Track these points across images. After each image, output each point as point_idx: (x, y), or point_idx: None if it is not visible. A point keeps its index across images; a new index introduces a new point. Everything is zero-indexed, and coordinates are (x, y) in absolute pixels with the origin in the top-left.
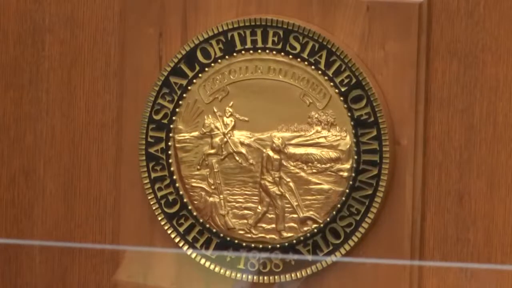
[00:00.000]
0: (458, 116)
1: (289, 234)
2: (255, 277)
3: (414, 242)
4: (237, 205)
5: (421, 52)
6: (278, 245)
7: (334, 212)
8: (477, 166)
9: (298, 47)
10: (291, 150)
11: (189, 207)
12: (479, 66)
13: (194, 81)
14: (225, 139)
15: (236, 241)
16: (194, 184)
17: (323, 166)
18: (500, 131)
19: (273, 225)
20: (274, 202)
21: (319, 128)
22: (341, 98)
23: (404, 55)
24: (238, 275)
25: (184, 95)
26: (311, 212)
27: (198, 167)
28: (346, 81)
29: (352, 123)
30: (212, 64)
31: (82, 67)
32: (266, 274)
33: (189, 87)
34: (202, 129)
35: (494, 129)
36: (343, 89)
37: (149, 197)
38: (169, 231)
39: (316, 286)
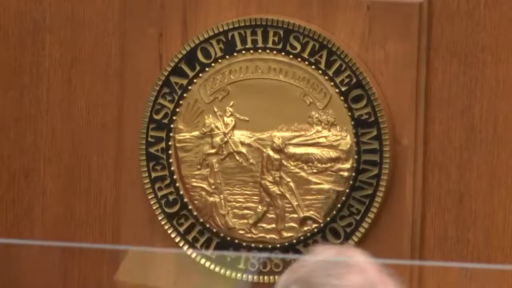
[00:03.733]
0: (458, 116)
1: (289, 234)
2: (255, 277)
3: (414, 242)
4: (237, 205)
5: (421, 52)
6: (278, 245)
7: (334, 212)
8: (477, 166)
9: (299, 47)
10: (291, 150)
11: (189, 207)
12: (479, 66)
13: (195, 80)
14: (226, 139)
15: (236, 241)
16: (194, 184)
17: (323, 166)
18: (500, 131)
19: (273, 225)
20: (274, 202)
21: (319, 128)
22: (342, 98)
23: (404, 55)
24: (238, 275)
25: (185, 94)
26: (311, 212)
27: (199, 166)
28: (346, 80)
29: (352, 122)
30: (213, 64)
31: (82, 67)
32: (267, 274)
33: (189, 87)
34: (203, 128)
35: (494, 129)
36: (343, 89)
37: (149, 197)
38: (169, 231)
39: None
